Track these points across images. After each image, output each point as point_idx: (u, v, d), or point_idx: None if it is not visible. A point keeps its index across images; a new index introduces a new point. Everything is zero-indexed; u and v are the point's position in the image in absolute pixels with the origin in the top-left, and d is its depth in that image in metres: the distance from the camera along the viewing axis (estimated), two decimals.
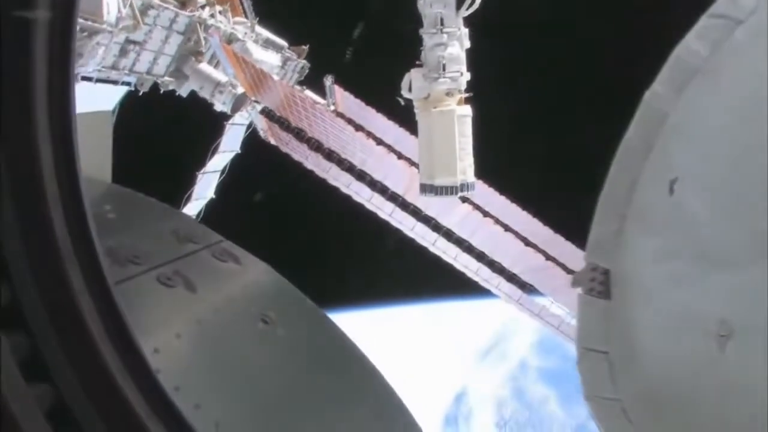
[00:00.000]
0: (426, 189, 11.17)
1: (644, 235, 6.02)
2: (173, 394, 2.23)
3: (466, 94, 11.32)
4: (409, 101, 11.43)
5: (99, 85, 15.01)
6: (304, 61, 23.01)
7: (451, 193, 11.08)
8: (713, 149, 4.91)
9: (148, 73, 16.54)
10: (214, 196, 21.33)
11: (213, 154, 20.42)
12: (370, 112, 21.38)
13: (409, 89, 11.26)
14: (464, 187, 11.08)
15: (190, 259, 3.40)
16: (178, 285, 3.11)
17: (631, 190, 6.40)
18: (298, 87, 21.85)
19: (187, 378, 2.64)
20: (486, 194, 19.54)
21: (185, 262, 3.37)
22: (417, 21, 11.33)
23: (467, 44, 11.30)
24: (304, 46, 23.09)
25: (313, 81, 23.10)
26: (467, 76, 11.31)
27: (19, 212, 2.10)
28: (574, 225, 21.91)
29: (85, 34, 12.65)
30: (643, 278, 6.06)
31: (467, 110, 11.14)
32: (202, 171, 20.27)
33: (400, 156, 19.43)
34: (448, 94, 11.07)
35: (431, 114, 11.01)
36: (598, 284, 6.59)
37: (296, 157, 20.84)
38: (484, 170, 19.34)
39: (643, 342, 5.56)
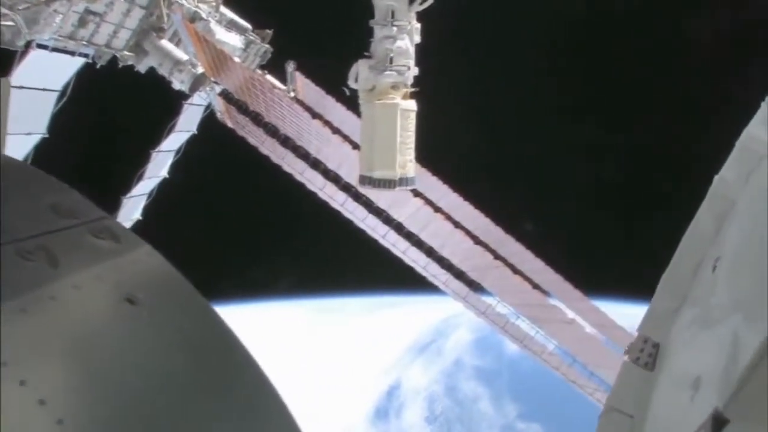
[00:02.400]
0: (364, 181, 11.14)
1: (688, 308, 6.19)
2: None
3: (413, 89, 11.31)
4: (355, 92, 11.41)
5: (55, 54, 14.85)
6: (268, 46, 22.83)
7: (389, 187, 11.07)
8: (751, 231, 5.05)
9: (107, 46, 16.36)
10: (167, 176, 21.18)
11: (169, 133, 20.25)
12: (330, 101, 21.32)
13: (356, 80, 11.24)
14: (403, 181, 11.07)
15: (62, 234, 3.36)
16: (38, 259, 3.07)
17: (694, 272, 6.53)
18: (258, 71, 21.70)
19: (28, 367, 2.59)
20: (439, 190, 19.60)
21: (55, 237, 3.32)
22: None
23: (418, 39, 11.25)
24: (268, 30, 22.89)
25: (275, 67, 22.99)
26: (415, 70, 11.28)
27: None
28: (524, 227, 22.09)
29: (42, 0, 12.54)
30: (673, 345, 6.22)
31: (412, 105, 11.12)
32: (156, 149, 20.08)
33: (355, 146, 19.40)
34: (394, 87, 11.04)
35: (374, 106, 10.98)
36: (646, 356, 6.73)
37: (252, 141, 20.78)
38: (438, 167, 19.44)
39: (654, 403, 5.71)
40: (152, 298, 3.44)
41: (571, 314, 19.64)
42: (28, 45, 13.52)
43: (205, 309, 3.91)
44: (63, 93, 15.79)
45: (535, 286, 19.43)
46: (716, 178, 6.78)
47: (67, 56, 15.46)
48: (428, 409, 68.10)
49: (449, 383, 71.10)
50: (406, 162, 11.08)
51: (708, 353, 4.40)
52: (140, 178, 19.97)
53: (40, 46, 14.08)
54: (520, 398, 68.25)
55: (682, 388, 4.58)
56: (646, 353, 6.68)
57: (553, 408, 63.56)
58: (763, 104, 6.22)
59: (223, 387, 3.65)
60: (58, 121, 15.66)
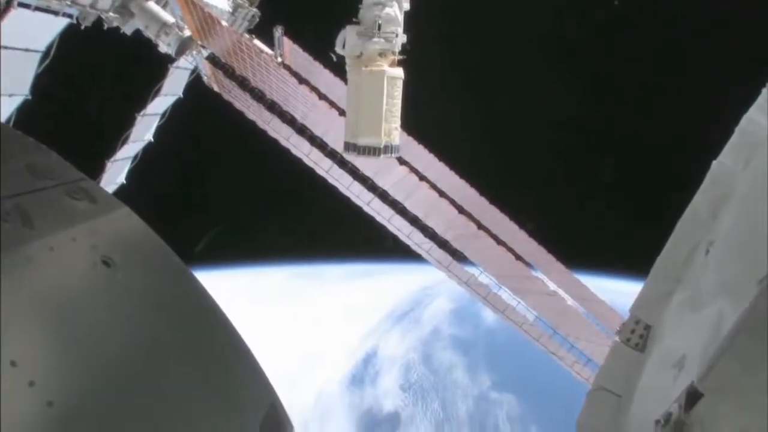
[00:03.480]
0: (349, 147, 11.15)
1: (680, 291, 6.22)
2: None
3: (400, 57, 11.28)
4: (342, 58, 11.37)
5: (38, 13, 14.63)
6: (256, 10, 22.63)
7: (374, 154, 11.07)
8: (745, 216, 5.05)
9: (92, 6, 16.14)
10: (152, 140, 21.06)
11: (154, 96, 20.09)
12: (317, 66, 21.21)
13: (344, 46, 11.20)
14: (388, 149, 11.07)
15: (38, 194, 3.33)
16: (13, 221, 3.04)
17: (689, 256, 6.55)
18: (246, 35, 21.53)
19: (7, 330, 2.58)
20: (424, 159, 19.60)
21: (31, 198, 3.29)
22: None
23: (407, 7, 11.23)
24: None
25: (263, 32, 22.79)
26: (403, 38, 11.25)
27: None
28: (509, 198, 22.13)
29: None
30: (664, 327, 6.26)
31: (399, 73, 11.10)
32: (141, 113, 19.93)
33: (342, 113, 19.32)
34: (381, 54, 11.01)
35: (361, 73, 10.96)
36: (637, 337, 6.79)
37: (238, 106, 20.69)
38: (424, 135, 19.41)
39: (641, 383, 5.75)
40: (128, 261, 3.43)
41: (553, 286, 19.73)
42: (9, 3, 13.32)
43: (182, 272, 3.90)
44: (46, 54, 15.61)
45: (518, 258, 19.48)
46: (714, 162, 6.81)
47: (51, 16, 15.24)
48: (404, 377, 68.71)
49: (426, 352, 71.80)
50: (392, 130, 11.06)
51: (694, 334, 4.43)
52: (125, 141, 19.84)
53: (22, 5, 13.86)
54: (495, 369, 69.02)
55: (667, 368, 4.62)
56: (637, 334, 6.75)
57: (527, 379, 64.31)
58: (763, 90, 6.24)
59: (199, 350, 3.67)
60: (41, 83, 15.50)
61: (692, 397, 3.25)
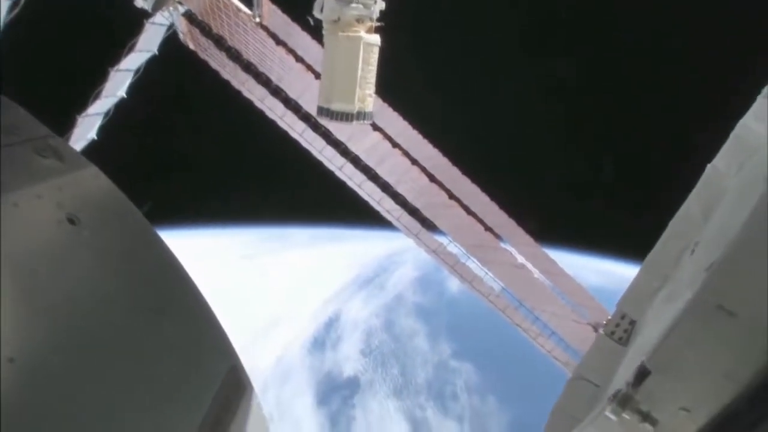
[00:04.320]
0: (322, 112, 11.16)
1: (665, 288, 6.31)
2: None
3: (378, 23, 11.25)
4: (319, 21, 11.32)
5: None
6: None
7: (347, 120, 11.09)
8: (730, 219, 5.13)
9: None
10: (125, 96, 20.79)
11: (129, 52, 19.80)
12: (295, 28, 21.02)
13: (321, 10, 11.15)
14: (361, 115, 11.09)
15: (4, 150, 3.32)
16: None
17: (679, 255, 6.65)
18: None
19: None
20: (398, 126, 19.56)
21: None
22: None
23: None
24: None
25: None
26: (381, 5, 11.21)
27: None
28: (483, 169, 22.18)
29: None
30: (645, 322, 6.36)
31: (375, 39, 11.09)
32: (115, 68, 19.64)
33: (318, 77, 19.21)
34: (359, 20, 10.98)
35: (338, 38, 10.93)
36: (621, 331, 6.94)
37: (214, 65, 20.50)
38: (400, 102, 19.37)
39: (617, 376, 5.85)
40: (94, 220, 3.44)
41: (521, 259, 19.88)
42: None
43: (147, 232, 3.92)
44: (15, 2, 15.33)
45: (488, 229, 19.60)
46: (709, 166, 6.95)
47: None
48: (365, 342, 69.08)
49: (388, 318, 72.21)
50: (366, 96, 11.07)
51: (663, 325, 4.53)
52: (97, 96, 19.56)
53: None
54: (456, 338, 69.56)
55: (640, 358, 4.73)
56: (622, 329, 6.93)
57: (487, 350, 64.86)
58: (759, 97, 6.33)
59: (160, 310, 3.69)
60: (10, 35, 15.22)
61: (641, 374, 3.35)
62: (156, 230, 3.89)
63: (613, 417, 3.40)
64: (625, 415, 3.35)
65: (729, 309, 3.02)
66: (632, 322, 6.68)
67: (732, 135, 6.36)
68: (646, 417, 3.29)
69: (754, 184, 4.84)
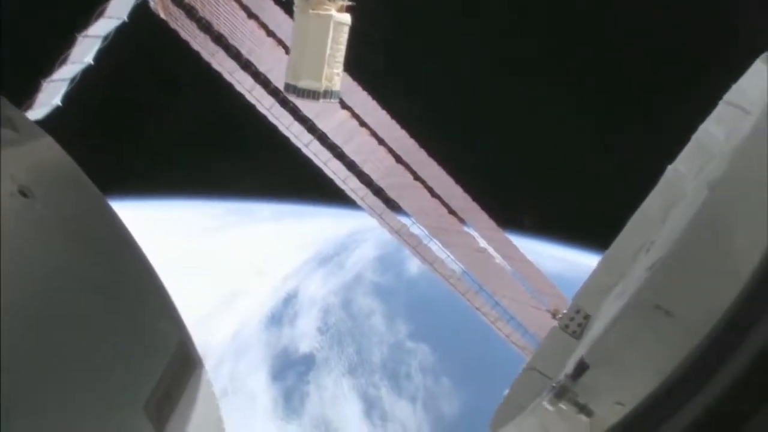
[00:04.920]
0: (289, 89, 11.18)
1: (620, 285, 6.40)
2: None
3: (349, 3, 11.24)
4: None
5: None
6: None
7: (313, 98, 11.12)
8: (675, 221, 5.22)
9: None
10: (92, 62, 20.52)
11: (98, 18, 19.53)
12: (268, 2, 20.93)
13: None
14: (328, 94, 11.11)
15: None
16: None
17: (636, 253, 6.74)
18: None
19: None
20: (367, 105, 19.56)
21: None
22: None
23: None
24: None
25: None
26: None
27: None
28: (450, 152, 22.26)
29: None
30: (598, 317, 6.45)
31: (346, 18, 11.08)
32: (83, 34, 19.37)
33: (288, 52, 19.16)
34: None
35: (308, 15, 10.91)
36: (575, 325, 7.04)
37: (184, 35, 20.32)
38: (370, 82, 19.37)
39: (565, 368, 5.94)
40: (47, 192, 3.42)
41: (483, 243, 20.04)
42: None
43: (100, 205, 3.90)
44: None
45: (451, 212, 19.72)
46: (669, 167, 7.08)
47: None
48: (322, 319, 69.20)
49: (346, 296, 72.29)
50: (333, 75, 11.09)
51: (606, 321, 4.64)
52: (63, 62, 19.31)
53: None
54: (413, 319, 69.80)
55: (582, 352, 4.85)
56: (576, 322, 7.06)
57: (443, 332, 65.19)
58: (720, 103, 6.47)
59: (110, 283, 3.69)
60: None
61: (580, 368, 3.43)
62: (109, 203, 3.89)
63: (550, 407, 3.48)
64: (562, 406, 3.43)
65: (666, 309, 3.11)
66: (587, 317, 6.81)
67: (693, 138, 6.51)
68: (582, 409, 3.37)
69: (701, 190, 4.95)
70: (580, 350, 5.42)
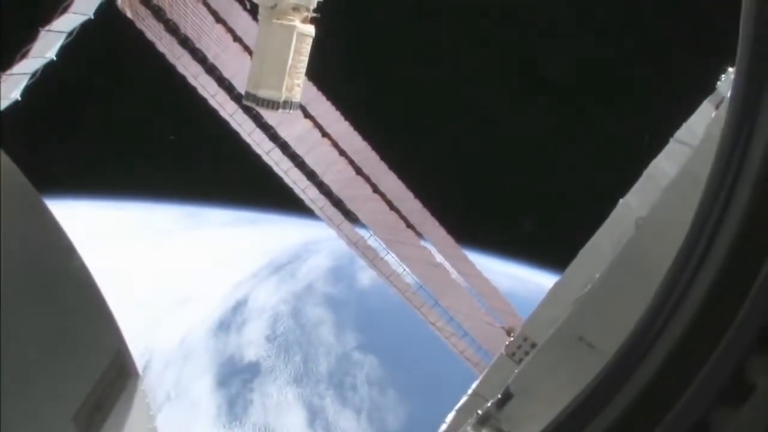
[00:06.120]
0: (249, 98, 11.15)
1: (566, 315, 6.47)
2: None
3: (314, 14, 11.24)
4: (257, 6, 11.28)
5: None
6: None
7: (272, 108, 11.10)
8: (629, 254, 5.29)
9: None
10: (54, 58, 20.31)
11: (62, 13, 19.33)
12: (236, 8, 20.87)
13: None
14: (287, 104, 11.11)
15: None
16: None
17: (584, 285, 6.80)
18: None
19: None
20: (330, 116, 19.57)
21: None
22: None
23: None
24: None
25: None
26: None
27: None
28: (410, 166, 22.32)
29: None
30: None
31: (310, 30, 11.09)
32: (46, 28, 19.16)
33: None
34: (295, 9, 10.97)
35: (272, 25, 10.91)
36: (522, 353, 7.10)
37: (150, 36, 20.20)
38: (335, 94, 19.40)
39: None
40: None
41: (439, 258, 20.10)
42: None
43: (39, 210, 3.86)
44: None
45: (409, 225, 19.77)
46: (621, 201, 7.20)
47: None
48: (270, 328, 69.05)
49: (296, 306, 72.28)
50: (294, 86, 11.09)
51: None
52: (24, 55, 19.07)
53: None
54: (363, 330, 69.98)
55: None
56: (523, 350, 7.16)
57: (392, 345, 65.42)
58: (671, 140, 6.65)
59: (43, 291, 3.65)
60: None
61: (505, 396, 3.47)
62: (47, 205, 3.84)
63: None
64: None
65: (589, 341, 3.16)
66: (533, 345, 6.90)
67: (644, 173, 6.67)
68: None
69: (632, 227, 5.05)
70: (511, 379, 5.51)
